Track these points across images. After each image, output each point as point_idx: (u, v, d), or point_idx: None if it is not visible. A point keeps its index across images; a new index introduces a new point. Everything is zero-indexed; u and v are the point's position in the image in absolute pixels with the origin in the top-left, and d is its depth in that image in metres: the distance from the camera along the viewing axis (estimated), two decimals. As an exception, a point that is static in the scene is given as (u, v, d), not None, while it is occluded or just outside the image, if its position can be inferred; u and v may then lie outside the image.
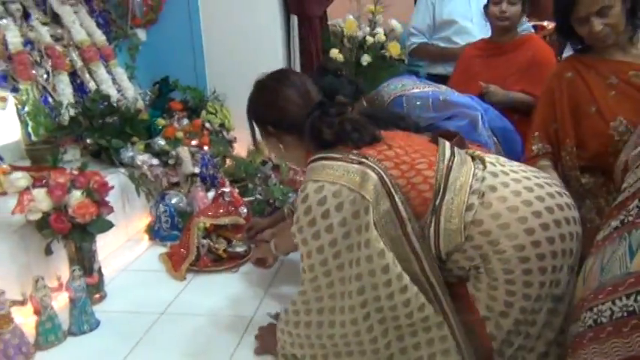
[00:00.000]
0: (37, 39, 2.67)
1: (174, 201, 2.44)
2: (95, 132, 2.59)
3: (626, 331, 0.99)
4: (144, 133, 2.66)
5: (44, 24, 2.76)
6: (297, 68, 3.43)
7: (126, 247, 2.37)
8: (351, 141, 1.39)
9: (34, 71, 2.60)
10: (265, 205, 2.56)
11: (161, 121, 2.75)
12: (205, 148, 2.83)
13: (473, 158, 1.40)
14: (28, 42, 2.63)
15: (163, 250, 2.32)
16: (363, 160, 1.33)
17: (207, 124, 3.10)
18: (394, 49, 3.45)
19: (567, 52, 2.50)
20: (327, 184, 1.31)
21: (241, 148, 3.23)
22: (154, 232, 2.43)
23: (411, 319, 1.29)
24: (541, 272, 1.25)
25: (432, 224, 1.29)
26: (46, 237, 1.81)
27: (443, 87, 2.22)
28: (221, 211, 2.23)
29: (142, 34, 3.31)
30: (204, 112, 3.14)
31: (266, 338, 1.59)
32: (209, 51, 3.40)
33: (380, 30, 3.51)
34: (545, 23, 4.30)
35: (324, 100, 1.52)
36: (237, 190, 2.49)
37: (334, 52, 3.41)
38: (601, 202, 1.81)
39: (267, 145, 1.65)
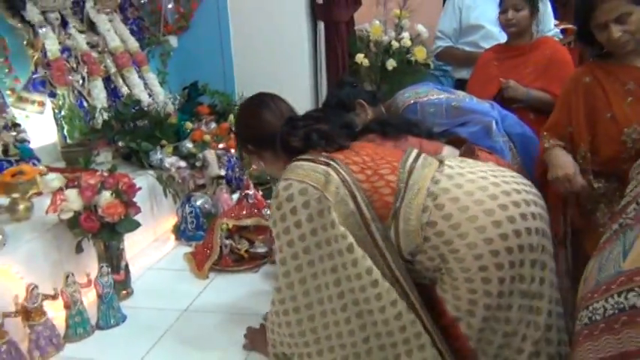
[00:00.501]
0: (74, 46, 2.81)
1: (199, 202, 2.52)
2: (126, 135, 2.71)
3: (617, 328, 1.01)
4: (172, 136, 2.76)
5: (81, 32, 2.90)
6: (324, 73, 3.51)
7: (153, 247, 2.47)
8: (319, 147, 1.48)
9: (70, 77, 2.74)
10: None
11: (189, 125, 2.84)
12: (232, 151, 2.91)
13: (441, 162, 1.44)
14: (65, 49, 2.77)
15: (189, 249, 2.41)
16: (331, 162, 1.40)
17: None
18: (420, 54, 3.47)
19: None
20: (294, 182, 1.38)
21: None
22: (180, 233, 2.52)
23: (384, 314, 1.33)
24: (497, 268, 1.28)
25: (393, 226, 1.35)
26: (77, 235, 1.91)
27: (460, 93, 2.24)
28: (244, 212, 2.30)
29: (173, 40, 3.44)
30: (231, 116, 3.21)
31: (256, 337, 1.67)
32: (238, 56, 3.50)
33: (406, 35, 3.53)
34: (572, 26, 4.25)
35: (293, 116, 1.65)
36: (260, 193, 2.56)
37: (360, 57, 3.45)
38: (614, 208, 1.80)
39: (251, 160, 1.83)
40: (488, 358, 1.37)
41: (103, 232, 1.90)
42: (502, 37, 3.07)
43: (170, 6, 3.35)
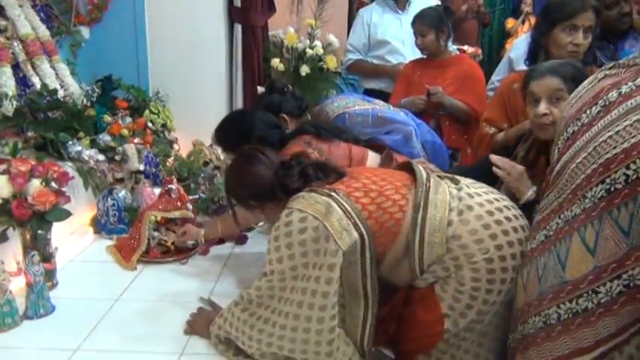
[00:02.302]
0: (-19, 30, 2.66)
1: (121, 195, 2.51)
2: (38, 125, 2.61)
3: (573, 329, 1.22)
4: (90, 128, 2.71)
5: (-13, 15, 2.75)
6: (239, 74, 3.58)
7: (71, 240, 2.40)
8: (318, 179, 1.60)
9: (-23, 62, 2.59)
10: (209, 202, 2.68)
11: (108, 118, 2.80)
12: (148, 146, 2.91)
13: (441, 178, 1.61)
14: (-29, 33, 2.62)
15: (109, 242, 2.39)
16: (333, 194, 1.51)
17: (150, 124, 3.18)
18: (331, 62, 3.67)
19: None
20: (296, 211, 1.50)
21: (182, 148, 3.32)
22: (100, 226, 2.48)
23: (333, 333, 1.48)
24: (501, 282, 1.49)
25: (417, 238, 1.49)
26: (3, 224, 1.85)
27: (381, 103, 2.47)
28: (170, 205, 2.33)
29: (85, 31, 3.32)
30: (147, 112, 3.20)
31: (197, 320, 1.75)
32: (153, 53, 3.46)
33: (318, 43, 3.72)
34: (465, 47, 4.73)
35: (283, 161, 1.72)
36: (182, 188, 2.59)
37: (275, 62, 3.58)
38: None
39: (252, 214, 1.86)
40: (447, 345, 1.55)
41: (33, 220, 1.86)
42: (407, 52, 3.39)
43: (84, -4, 3.26)
